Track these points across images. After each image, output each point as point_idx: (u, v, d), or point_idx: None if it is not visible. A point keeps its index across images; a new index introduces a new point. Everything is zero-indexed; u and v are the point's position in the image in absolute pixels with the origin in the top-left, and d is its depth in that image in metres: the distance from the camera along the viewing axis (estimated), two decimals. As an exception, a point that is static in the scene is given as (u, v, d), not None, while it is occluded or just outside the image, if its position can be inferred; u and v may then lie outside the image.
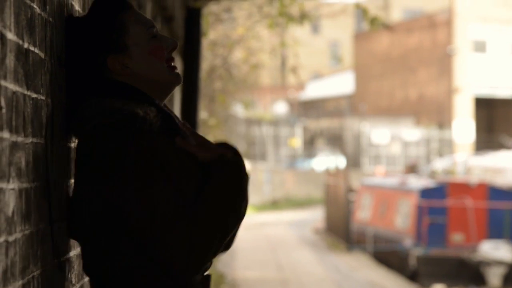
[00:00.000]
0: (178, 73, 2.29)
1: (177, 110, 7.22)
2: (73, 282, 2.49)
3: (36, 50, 2.02)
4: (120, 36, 2.24)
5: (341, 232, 21.89)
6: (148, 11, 4.86)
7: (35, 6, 2.00)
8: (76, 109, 2.22)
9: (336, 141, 46.03)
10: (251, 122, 41.00)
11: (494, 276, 17.84)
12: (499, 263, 17.82)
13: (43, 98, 2.09)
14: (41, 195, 2.06)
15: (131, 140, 2.10)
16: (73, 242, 2.49)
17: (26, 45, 1.92)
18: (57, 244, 2.24)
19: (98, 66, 2.22)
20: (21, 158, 1.88)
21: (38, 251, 2.04)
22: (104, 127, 2.13)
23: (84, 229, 2.16)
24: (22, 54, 1.88)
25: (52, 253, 2.19)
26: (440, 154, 41.29)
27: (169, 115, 2.22)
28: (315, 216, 29.75)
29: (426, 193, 19.38)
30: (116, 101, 2.18)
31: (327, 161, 41.32)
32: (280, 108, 57.70)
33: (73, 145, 2.49)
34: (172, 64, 2.29)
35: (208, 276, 2.21)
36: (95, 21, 2.25)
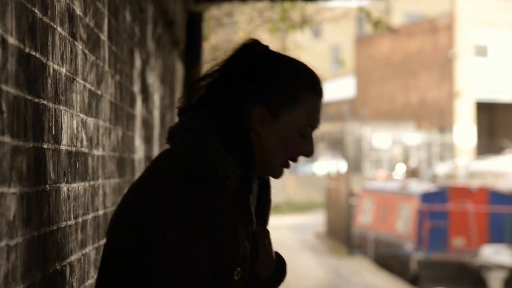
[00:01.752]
0: (283, 172, 2.18)
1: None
2: (74, 286, 2.50)
3: (38, 55, 2.02)
4: (287, 105, 2.12)
5: (342, 236, 21.88)
6: (150, 15, 4.87)
7: (36, 11, 2.00)
8: (185, 120, 2.12)
9: (337, 145, 46.02)
10: (252, 126, 40.98)
11: (495, 281, 17.81)
12: (500, 267, 17.80)
13: (44, 102, 2.09)
14: (42, 199, 2.07)
15: (200, 193, 2.00)
16: (74, 246, 2.49)
17: (27, 50, 1.92)
18: (58, 248, 2.24)
19: (242, 103, 2.11)
20: (22, 163, 1.88)
21: (40, 255, 2.04)
22: (181, 160, 2.03)
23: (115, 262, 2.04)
24: (23, 59, 1.89)
25: (54, 257, 2.19)
26: (441, 158, 41.26)
27: (250, 189, 2.11)
28: (316, 220, 29.73)
29: (427, 197, 19.37)
30: (212, 144, 2.06)
31: (328, 165, 41.30)
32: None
33: (74, 149, 2.50)
34: (290, 163, 2.19)
35: None
36: (284, 72, 2.15)
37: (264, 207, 2.24)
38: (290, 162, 2.18)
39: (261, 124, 2.12)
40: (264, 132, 2.13)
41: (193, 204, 1.99)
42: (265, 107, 2.12)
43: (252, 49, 2.18)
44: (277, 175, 2.18)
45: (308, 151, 2.18)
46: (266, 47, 2.21)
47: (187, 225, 1.98)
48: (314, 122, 2.18)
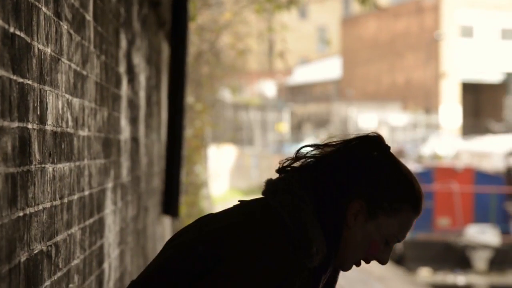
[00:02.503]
0: (350, 268, 2.22)
1: (164, 96, 7.20)
2: (60, 267, 2.50)
3: (22, 35, 2.01)
4: (386, 211, 2.15)
5: (328, 216, 21.97)
6: (135, -4, 4.85)
7: (20, -9, 1.99)
8: (287, 180, 2.14)
9: (323, 126, 46.09)
10: (238, 107, 40.98)
11: (480, 260, 17.93)
12: (485, 247, 17.91)
13: (29, 82, 2.08)
14: (27, 179, 2.06)
15: (290, 262, 2.04)
16: (59, 227, 2.49)
17: (12, 29, 1.91)
18: (43, 228, 2.24)
19: (348, 192, 2.14)
20: (7, 143, 1.87)
21: (25, 236, 2.04)
22: (280, 227, 2.07)
23: None
24: (8, 39, 1.88)
25: (39, 237, 2.19)
26: (427, 139, 41.38)
27: (326, 270, 2.15)
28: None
29: (413, 177, 19.44)
30: (313, 220, 2.10)
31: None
32: (268, 89, 57.65)
33: (59, 130, 2.49)
34: (361, 263, 2.23)
35: None
36: (396, 179, 2.17)
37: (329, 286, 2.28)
38: (362, 262, 2.22)
39: (354, 218, 2.15)
40: (354, 227, 2.15)
41: (278, 267, 2.03)
42: (365, 204, 2.15)
43: (375, 144, 2.20)
44: (346, 269, 2.23)
45: (384, 260, 2.21)
46: (388, 147, 2.23)
47: (263, 281, 2.02)
48: (402, 236, 2.21)
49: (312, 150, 2.21)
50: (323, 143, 2.22)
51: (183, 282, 2.06)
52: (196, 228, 2.14)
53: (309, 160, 2.19)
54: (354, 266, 2.22)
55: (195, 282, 2.04)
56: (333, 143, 2.22)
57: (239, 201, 2.19)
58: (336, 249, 2.15)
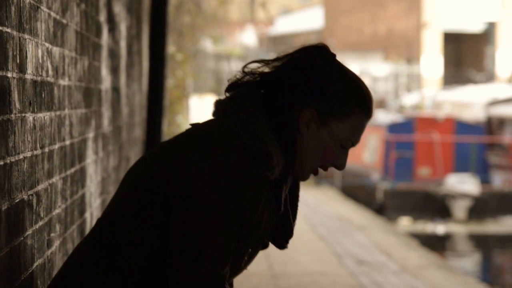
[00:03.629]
0: (308, 177, 2.23)
1: (145, 45, 7.16)
2: (41, 216, 2.50)
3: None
4: (337, 116, 2.17)
5: (310, 166, 22.04)
6: None
7: None
8: (238, 97, 2.15)
9: (305, 76, 46.01)
10: (220, 57, 40.78)
11: (460, 209, 18.11)
12: (464, 196, 18.07)
13: (8, 30, 2.06)
14: (7, 128, 2.06)
15: (252, 172, 2.06)
16: (40, 176, 2.49)
17: (-11, -23, 1.89)
18: (24, 178, 2.24)
19: (298, 102, 2.16)
20: (-13, 92, 1.86)
21: (6, 185, 2.04)
22: (239, 144, 2.08)
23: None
24: (-15, -14, 1.85)
25: (20, 187, 2.19)
26: (409, 89, 41.48)
27: (286, 180, 2.17)
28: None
29: (394, 128, 19.52)
30: (267, 130, 2.12)
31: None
32: (249, 38, 57.36)
33: (39, 79, 2.48)
34: (319, 170, 2.23)
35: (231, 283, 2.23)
36: (344, 84, 2.19)
37: (293, 200, 2.29)
38: (319, 170, 2.23)
39: (307, 127, 2.17)
40: (307, 135, 2.17)
41: (244, 183, 2.04)
42: (316, 112, 2.16)
43: (320, 52, 2.21)
44: (304, 178, 2.24)
45: (341, 165, 2.24)
46: (334, 55, 2.24)
47: (232, 198, 2.04)
48: (355, 140, 2.25)
49: (259, 67, 2.21)
50: (269, 59, 2.22)
51: (143, 215, 2.06)
52: (149, 159, 2.14)
53: (256, 76, 2.19)
54: (312, 174, 2.22)
55: (157, 213, 2.04)
56: (280, 57, 2.22)
57: (190, 124, 2.19)
58: (293, 159, 2.16)
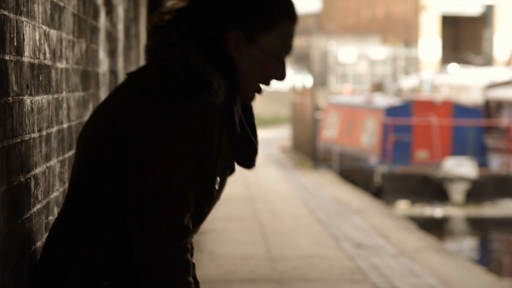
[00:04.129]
0: (255, 97, 2.23)
1: (143, 28, 7.14)
2: (39, 199, 2.50)
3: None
4: (262, 30, 2.16)
5: (308, 150, 22.06)
6: None
7: None
8: (164, 36, 2.14)
9: (303, 60, 45.96)
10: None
11: (457, 192, 18.14)
12: (462, 179, 18.10)
13: (5, 13, 2.06)
14: (5, 111, 2.05)
15: (194, 103, 2.06)
16: (38, 159, 2.49)
17: (-14, -41, 1.88)
18: (22, 161, 2.24)
19: (220, 25, 2.15)
20: (-16, 74, 1.86)
21: (3, 168, 2.04)
22: (176, 77, 2.08)
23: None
24: (-18, -32, 1.84)
25: (18, 170, 2.19)
26: (406, 72, 41.44)
27: (235, 99, 2.17)
28: (282, 134, 29.89)
29: (391, 111, 19.52)
30: (201, 57, 2.11)
31: (294, 80, 41.32)
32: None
33: (37, 61, 2.47)
34: (262, 88, 2.23)
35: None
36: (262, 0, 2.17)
37: (249, 120, 2.29)
38: (263, 87, 2.23)
39: (237, 49, 2.17)
40: (240, 57, 2.17)
41: (191, 115, 2.05)
42: (241, 32, 2.16)
43: None
44: (250, 99, 2.23)
45: (282, 75, 2.23)
46: None
47: (183, 135, 2.04)
48: (288, 47, 2.23)
49: (175, 3, 2.21)
50: None
51: (101, 177, 2.07)
52: (96, 116, 2.15)
53: (174, 12, 2.19)
54: (256, 94, 2.22)
55: (112, 172, 2.06)
56: None
57: (126, 74, 2.18)
58: (235, 79, 2.17)
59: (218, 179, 2.15)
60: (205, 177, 2.11)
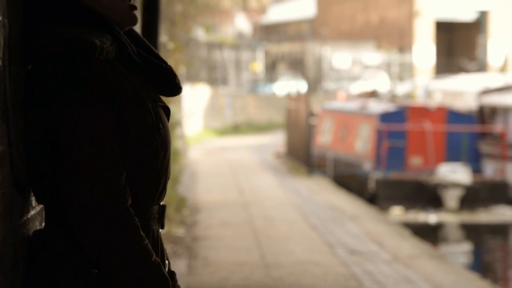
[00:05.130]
0: (135, 15, 2.21)
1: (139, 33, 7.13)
2: (33, 205, 2.49)
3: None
4: None
5: (302, 156, 22.06)
6: None
7: None
8: (29, 35, 2.15)
9: (297, 66, 45.99)
10: (212, 46, 40.73)
11: (451, 199, 18.15)
12: (456, 185, 18.11)
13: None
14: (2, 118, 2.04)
15: (88, 70, 2.06)
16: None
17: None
18: (16, 167, 2.23)
19: None
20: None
21: (-3, 174, 2.03)
22: (60, 57, 2.08)
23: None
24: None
25: (12, 176, 2.18)
26: (401, 78, 41.49)
27: (124, 43, 2.17)
28: (276, 140, 29.90)
29: (385, 117, 19.53)
30: (71, 28, 2.11)
31: (289, 85, 41.34)
32: (244, 26, 57.25)
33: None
34: (133, 2, 2.22)
35: (164, 206, 2.23)
36: None
37: (146, 47, 2.28)
38: (132, 3, 2.22)
39: None
40: None
41: (90, 84, 2.04)
42: None
43: None
44: (132, 20, 2.22)
45: None
46: None
47: (88, 105, 2.04)
48: None
49: None
50: None
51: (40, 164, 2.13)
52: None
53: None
54: (135, 14, 2.21)
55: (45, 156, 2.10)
56: None
57: None
58: (103, 19, 2.15)
59: (155, 119, 2.13)
60: (139, 124, 2.10)
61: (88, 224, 2.01)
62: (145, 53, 2.25)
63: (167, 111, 2.24)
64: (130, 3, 2.21)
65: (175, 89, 2.26)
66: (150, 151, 2.13)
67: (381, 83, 38.98)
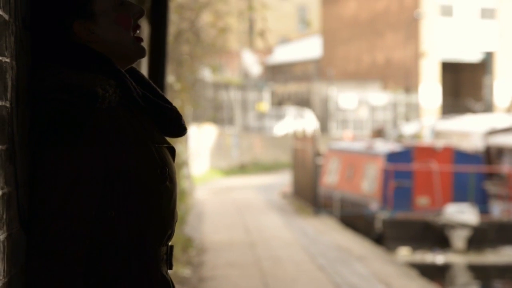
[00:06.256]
0: (143, 46, 2.23)
1: (144, 74, 7.17)
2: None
3: (0, 12, 1.99)
4: (88, 2, 2.18)
5: (309, 196, 22.02)
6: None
7: (-2, -33, 1.97)
8: (33, 77, 2.16)
9: (303, 105, 46.10)
10: (219, 86, 40.89)
11: (459, 239, 18.06)
12: (463, 226, 18.03)
13: (7, 60, 2.06)
14: (6, 158, 2.05)
15: (86, 119, 2.07)
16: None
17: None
18: (23, 208, 2.23)
19: (64, 31, 2.16)
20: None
21: (4, 215, 2.03)
22: (61, 104, 2.09)
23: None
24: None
25: (18, 217, 2.18)
26: (407, 119, 41.53)
27: (129, 86, 2.17)
28: (283, 180, 29.86)
29: (392, 157, 19.51)
30: (75, 74, 2.12)
31: (295, 125, 41.40)
32: (252, 67, 57.51)
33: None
34: (138, 33, 2.24)
35: (171, 246, 2.23)
36: None
37: (149, 88, 2.29)
38: (139, 35, 2.23)
39: (90, 33, 2.17)
40: (100, 34, 2.17)
41: (83, 133, 2.06)
42: (78, 19, 2.16)
43: None
44: (140, 52, 2.23)
45: (138, 11, 2.23)
46: None
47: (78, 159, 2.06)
48: None
49: None
50: None
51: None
52: None
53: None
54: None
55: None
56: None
57: None
58: (109, 63, 2.15)
59: (160, 163, 2.13)
60: (143, 169, 2.10)
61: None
62: (150, 94, 2.25)
63: (172, 151, 2.24)
64: (136, 35, 2.22)
65: (180, 130, 2.27)
66: (156, 194, 2.13)
67: (309, 122, 39.16)
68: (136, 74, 2.29)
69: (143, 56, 2.25)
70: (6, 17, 2.05)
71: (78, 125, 2.06)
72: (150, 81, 2.30)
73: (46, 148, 2.08)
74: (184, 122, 2.28)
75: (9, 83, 2.07)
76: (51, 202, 2.06)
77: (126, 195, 2.09)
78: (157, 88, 2.29)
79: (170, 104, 2.26)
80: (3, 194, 2.02)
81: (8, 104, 2.05)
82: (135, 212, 2.10)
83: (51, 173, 2.06)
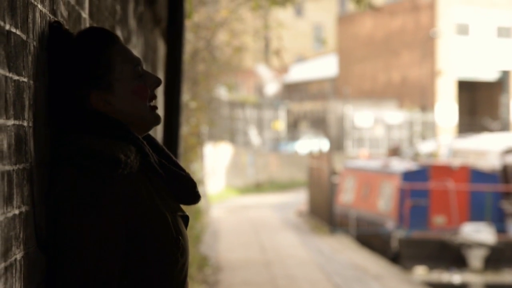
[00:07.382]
0: (158, 115, 2.25)
1: (160, 94, 7.20)
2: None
3: (18, 32, 2.00)
4: (105, 73, 2.19)
5: (324, 215, 21.97)
6: (131, -7, 4.83)
7: (16, -12, 1.98)
8: (53, 143, 2.19)
9: (319, 124, 46.08)
10: (234, 105, 40.97)
11: (475, 259, 17.95)
12: (480, 245, 17.93)
13: (25, 80, 2.07)
14: (24, 177, 2.06)
15: (107, 188, 2.08)
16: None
17: (7, 27, 1.90)
18: (39, 227, 2.23)
19: (81, 100, 2.18)
20: (3, 141, 1.87)
21: (21, 234, 2.03)
22: (83, 169, 2.10)
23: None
24: (3, 36, 1.87)
25: (35, 236, 2.18)
26: (423, 137, 41.43)
27: (147, 153, 2.19)
28: (299, 199, 29.82)
29: (408, 175, 19.45)
30: (97, 140, 2.13)
31: (311, 144, 41.38)
32: (271, 88, 57.58)
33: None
34: (154, 103, 2.26)
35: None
36: (81, 53, 2.19)
37: (164, 155, 2.31)
38: (154, 104, 2.26)
39: (106, 103, 2.19)
40: (116, 105, 2.19)
41: (104, 202, 2.07)
42: (95, 90, 2.18)
43: (54, 42, 2.22)
44: (156, 120, 2.26)
45: (155, 82, 2.25)
46: (68, 33, 2.24)
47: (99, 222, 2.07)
48: (135, 61, 2.25)
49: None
50: None
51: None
52: None
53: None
54: (159, 116, 2.26)
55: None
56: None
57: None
58: (128, 132, 2.17)
59: (174, 233, 2.14)
60: (158, 238, 2.11)
61: None
62: (166, 161, 2.27)
63: (185, 219, 2.25)
64: (151, 105, 2.25)
65: (194, 198, 2.28)
66: (169, 262, 2.14)
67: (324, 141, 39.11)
68: (152, 141, 2.31)
69: (158, 124, 2.27)
70: (24, 37, 2.06)
71: (98, 192, 2.07)
72: (165, 148, 2.32)
73: (63, 214, 2.10)
74: (197, 189, 2.30)
75: (27, 103, 2.08)
76: (76, 269, 2.07)
77: (139, 262, 2.11)
78: (171, 155, 2.30)
79: (184, 171, 2.28)
80: (20, 213, 2.03)
81: (25, 124, 2.07)
82: (148, 276, 2.12)
83: (73, 233, 2.08)
